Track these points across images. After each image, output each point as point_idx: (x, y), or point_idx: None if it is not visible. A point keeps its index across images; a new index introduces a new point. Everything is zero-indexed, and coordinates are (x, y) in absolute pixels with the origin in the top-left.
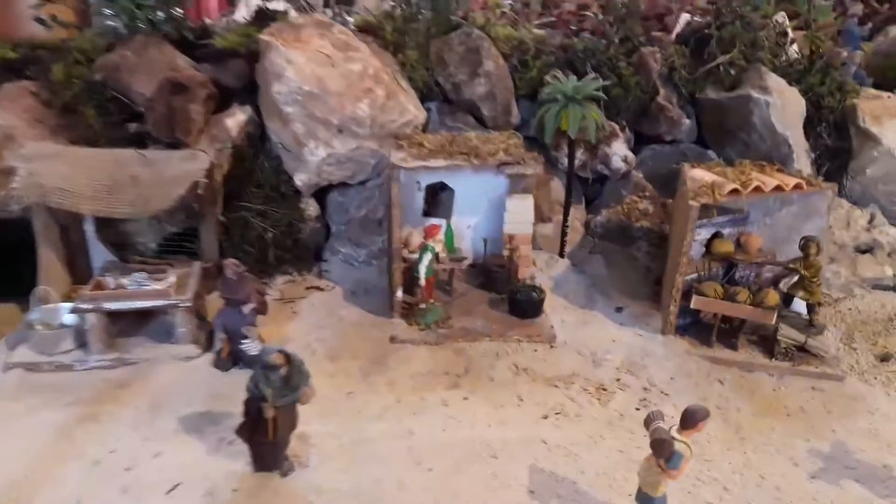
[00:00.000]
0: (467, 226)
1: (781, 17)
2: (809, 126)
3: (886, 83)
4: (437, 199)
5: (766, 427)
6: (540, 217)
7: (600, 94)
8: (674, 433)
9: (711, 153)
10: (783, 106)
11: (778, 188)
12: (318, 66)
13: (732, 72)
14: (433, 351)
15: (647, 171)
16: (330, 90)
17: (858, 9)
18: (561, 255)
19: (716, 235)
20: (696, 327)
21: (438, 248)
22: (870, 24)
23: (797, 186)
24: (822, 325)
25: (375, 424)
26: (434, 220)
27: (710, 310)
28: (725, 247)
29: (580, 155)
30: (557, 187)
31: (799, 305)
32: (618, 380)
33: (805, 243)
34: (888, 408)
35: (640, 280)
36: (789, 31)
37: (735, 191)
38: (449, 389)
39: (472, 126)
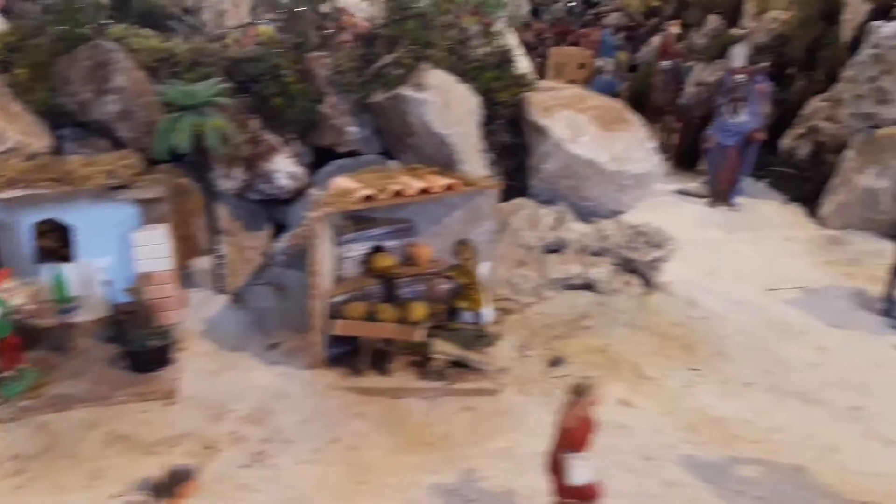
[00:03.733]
0: (98, 269)
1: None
2: (487, 124)
3: (645, 89)
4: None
5: (397, 465)
6: (195, 249)
7: (218, 99)
8: None
9: (396, 163)
10: (445, 104)
11: (425, 191)
12: None
13: (400, 72)
14: (5, 430)
15: None
16: None
17: (612, 19)
18: (221, 291)
19: (377, 250)
20: (355, 355)
21: (19, 298)
22: (623, 34)
23: (449, 187)
24: (495, 336)
25: None
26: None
27: (352, 333)
28: (385, 261)
29: (240, 174)
30: (224, 214)
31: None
32: (233, 433)
33: (456, 248)
34: (535, 421)
35: None
36: (475, 27)
37: (369, 197)
38: (5, 479)
39: (105, 151)
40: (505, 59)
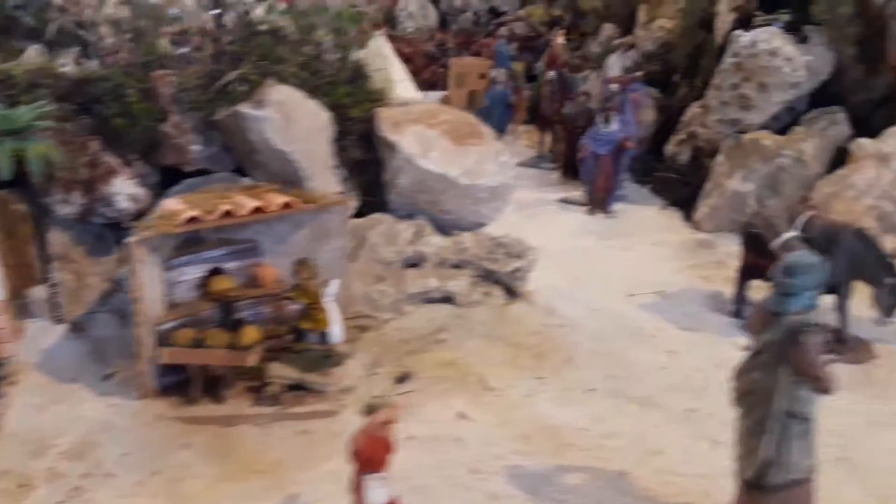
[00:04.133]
0: None
1: None
2: (340, 140)
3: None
4: None
5: (220, 494)
6: (32, 278)
7: (42, 123)
8: None
9: (249, 180)
10: (287, 120)
11: (259, 210)
12: None
13: (246, 89)
14: None
15: None
16: None
17: (504, 30)
18: (59, 320)
19: (216, 272)
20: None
21: None
22: (516, 44)
23: (287, 205)
24: (343, 355)
25: None
26: None
27: (180, 361)
28: (223, 284)
29: (78, 198)
30: (63, 240)
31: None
32: (52, 468)
33: (295, 268)
34: None
35: None
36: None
37: (194, 219)
38: None
39: None
40: (359, 74)
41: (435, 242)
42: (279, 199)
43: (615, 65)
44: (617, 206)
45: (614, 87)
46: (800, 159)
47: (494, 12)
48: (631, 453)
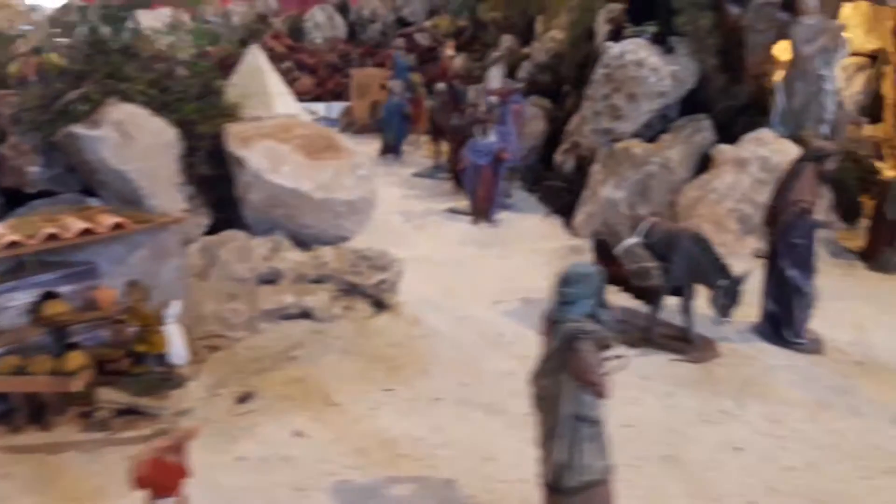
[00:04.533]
0: None
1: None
2: (188, 157)
3: None
4: None
5: None
6: None
7: None
8: None
9: (96, 201)
10: (125, 139)
11: (88, 232)
12: None
13: (87, 108)
14: None
15: None
16: None
17: (401, 42)
18: None
19: (49, 296)
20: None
21: None
22: (414, 55)
23: (118, 226)
24: (183, 377)
25: None
26: None
27: (2, 389)
28: (55, 308)
29: None
30: None
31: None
32: None
33: (126, 290)
34: (198, 462)
35: None
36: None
37: (15, 244)
38: None
39: None
40: (210, 89)
41: (292, 258)
42: (110, 220)
43: (495, 77)
44: (502, 215)
45: (494, 99)
46: (666, 166)
47: (402, 23)
48: (464, 461)
